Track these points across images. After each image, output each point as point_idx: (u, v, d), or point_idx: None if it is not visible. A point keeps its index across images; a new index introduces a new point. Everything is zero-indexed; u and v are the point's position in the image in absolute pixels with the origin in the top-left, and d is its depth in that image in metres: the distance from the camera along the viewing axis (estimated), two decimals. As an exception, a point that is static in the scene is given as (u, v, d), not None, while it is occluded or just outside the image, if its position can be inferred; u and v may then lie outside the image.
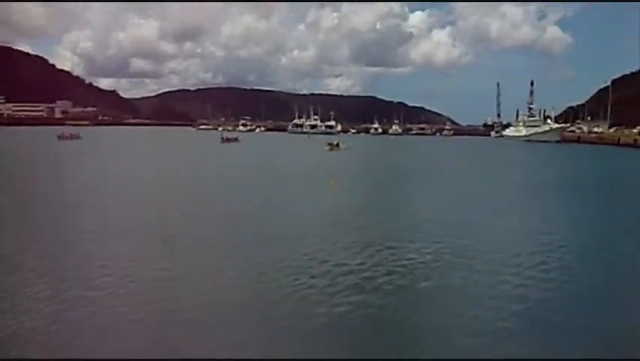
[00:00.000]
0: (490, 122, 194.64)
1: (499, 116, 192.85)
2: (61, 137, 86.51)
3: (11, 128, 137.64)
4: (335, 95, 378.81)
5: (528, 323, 9.87)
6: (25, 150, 62.27)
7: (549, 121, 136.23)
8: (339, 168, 45.21)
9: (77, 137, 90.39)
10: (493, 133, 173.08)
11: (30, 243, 15.18)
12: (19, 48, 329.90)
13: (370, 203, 25.10)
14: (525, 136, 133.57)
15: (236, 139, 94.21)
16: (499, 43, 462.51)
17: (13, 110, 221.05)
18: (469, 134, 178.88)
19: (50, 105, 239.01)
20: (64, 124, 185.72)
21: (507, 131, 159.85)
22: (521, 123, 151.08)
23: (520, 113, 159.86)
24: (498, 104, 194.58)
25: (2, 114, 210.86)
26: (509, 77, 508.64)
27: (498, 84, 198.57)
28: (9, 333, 8.97)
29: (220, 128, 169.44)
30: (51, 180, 32.16)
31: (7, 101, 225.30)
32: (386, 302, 10.66)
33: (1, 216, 19.18)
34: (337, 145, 73.41)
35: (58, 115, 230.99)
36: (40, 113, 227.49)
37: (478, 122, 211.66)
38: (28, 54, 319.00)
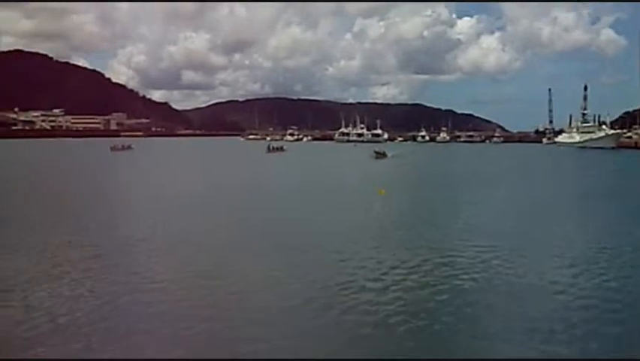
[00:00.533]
0: (541, 129, 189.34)
1: (551, 122, 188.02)
2: (113, 148, 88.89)
3: (70, 139, 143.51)
4: (382, 104, 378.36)
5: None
6: (79, 161, 65.63)
7: (604, 127, 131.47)
8: (386, 176, 45.08)
9: (129, 147, 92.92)
10: (545, 140, 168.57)
11: (76, 248, 15.88)
12: (76, 63, 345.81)
13: (419, 211, 24.72)
14: (579, 143, 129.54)
15: (281, 148, 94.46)
16: (551, 47, 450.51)
17: (72, 123, 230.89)
18: (520, 142, 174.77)
19: (106, 117, 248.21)
20: (119, 135, 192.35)
21: (560, 138, 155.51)
22: (575, 129, 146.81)
23: (573, 118, 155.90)
24: (550, 110, 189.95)
25: (61, 126, 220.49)
26: (561, 82, 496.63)
27: (550, 90, 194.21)
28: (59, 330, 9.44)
29: (268, 138, 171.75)
30: (102, 190, 33.73)
31: (66, 114, 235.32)
32: (431, 310, 10.69)
33: (42, 224, 19.92)
34: (384, 153, 72.71)
35: (113, 127, 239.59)
36: (97, 125, 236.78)
37: (529, 128, 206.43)
38: (85, 68, 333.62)
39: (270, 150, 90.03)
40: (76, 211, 23.38)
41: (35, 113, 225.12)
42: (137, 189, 34.11)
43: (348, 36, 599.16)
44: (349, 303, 11.03)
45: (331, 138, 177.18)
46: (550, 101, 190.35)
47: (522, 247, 16.64)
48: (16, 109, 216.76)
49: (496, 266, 14.20)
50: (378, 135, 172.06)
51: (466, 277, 13.08)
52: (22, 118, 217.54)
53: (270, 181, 40.76)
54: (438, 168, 59.93)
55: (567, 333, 9.55)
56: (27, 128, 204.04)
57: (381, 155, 72.08)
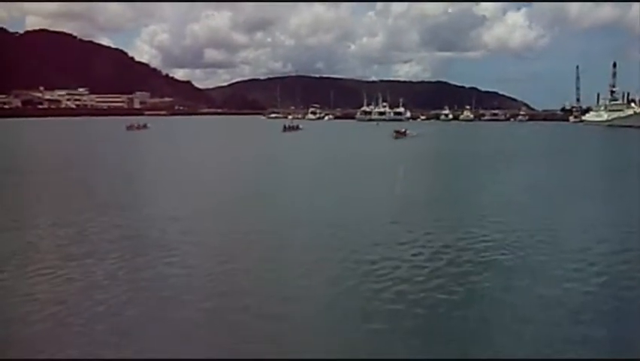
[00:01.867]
0: (568, 107, 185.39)
1: (578, 100, 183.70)
2: (129, 127, 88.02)
3: (94, 118, 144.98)
4: (404, 82, 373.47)
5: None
6: (92, 140, 66.64)
7: (633, 105, 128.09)
8: (404, 157, 43.12)
9: (145, 126, 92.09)
10: (571, 118, 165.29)
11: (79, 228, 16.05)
12: (100, 42, 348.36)
13: (438, 193, 24.36)
14: (607, 121, 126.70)
15: (297, 127, 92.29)
16: (579, 23, 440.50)
17: (97, 101, 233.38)
18: (546, 120, 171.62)
19: (130, 96, 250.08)
20: (142, 114, 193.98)
21: (587, 116, 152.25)
22: (602, 107, 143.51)
23: (601, 96, 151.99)
24: (577, 88, 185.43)
25: (86, 105, 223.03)
26: (589, 59, 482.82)
27: (577, 67, 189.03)
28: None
29: (290, 117, 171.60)
30: (106, 167, 34.20)
31: (91, 93, 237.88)
32: (451, 296, 10.47)
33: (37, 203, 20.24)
34: (404, 133, 70.72)
35: (137, 105, 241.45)
36: (121, 104, 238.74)
37: (556, 106, 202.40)
38: (109, 47, 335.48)
39: (285, 129, 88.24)
40: (75, 189, 23.95)
41: (61, 92, 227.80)
42: (139, 167, 34.50)
43: (371, 13, 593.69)
44: (365, 288, 10.90)
45: (353, 117, 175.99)
46: (577, 78, 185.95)
47: (547, 228, 16.25)
48: (42, 88, 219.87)
49: (515, 248, 13.95)
50: (400, 114, 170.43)
51: (483, 259, 12.89)
52: (47, 97, 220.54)
53: (276, 161, 40.41)
54: (460, 147, 58.29)
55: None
56: (53, 107, 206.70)
57: (401, 134, 70.10)
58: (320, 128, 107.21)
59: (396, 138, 68.22)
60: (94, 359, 7.38)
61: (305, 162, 38.68)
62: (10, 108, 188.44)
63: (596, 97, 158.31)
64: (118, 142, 61.95)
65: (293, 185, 26.52)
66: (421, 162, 39.70)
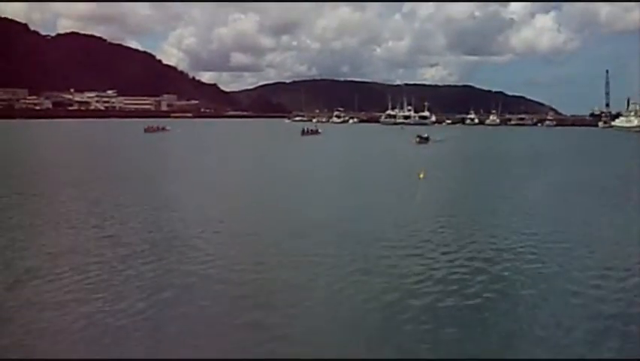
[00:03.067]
0: (597, 112, 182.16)
1: (607, 105, 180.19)
2: (147, 129, 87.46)
3: (122, 120, 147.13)
4: (430, 85, 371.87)
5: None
6: (109, 142, 67.31)
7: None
8: (426, 165, 36.95)
9: (164, 129, 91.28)
10: (600, 123, 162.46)
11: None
12: (129, 45, 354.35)
13: (459, 202, 23.92)
14: (637, 127, 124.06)
15: (316, 131, 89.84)
16: (610, 27, 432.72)
17: (125, 104, 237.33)
18: (574, 125, 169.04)
19: (157, 99, 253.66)
20: (169, 116, 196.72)
21: (617, 122, 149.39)
22: (633, 113, 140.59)
23: (631, 102, 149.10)
24: (607, 93, 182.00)
25: (115, 107, 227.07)
26: (620, 63, 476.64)
27: (607, 71, 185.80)
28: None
29: (314, 120, 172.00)
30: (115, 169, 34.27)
31: (119, 95, 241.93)
32: (470, 301, 10.48)
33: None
34: (427, 138, 67.41)
35: (164, 108, 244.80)
36: (149, 106, 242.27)
37: (585, 112, 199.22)
38: (137, 50, 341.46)
39: (304, 132, 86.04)
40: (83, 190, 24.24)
41: (90, 94, 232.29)
42: (141, 170, 33.80)
43: (397, 16, 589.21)
44: (386, 291, 10.97)
45: (378, 120, 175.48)
46: (607, 83, 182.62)
47: (570, 237, 16.08)
48: (72, 90, 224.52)
49: (536, 256, 13.80)
50: (425, 118, 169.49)
51: (503, 267, 12.81)
52: (77, 99, 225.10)
53: (281, 169, 37.80)
54: (484, 155, 54.75)
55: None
56: (82, 108, 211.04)
57: (424, 140, 66.87)
58: (341, 132, 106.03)
59: (419, 143, 65.60)
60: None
61: (312, 172, 36.51)
62: (41, 109, 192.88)
63: (626, 102, 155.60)
64: (131, 144, 62.96)
65: (290, 197, 24.26)
66: (444, 174, 34.81)
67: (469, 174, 36.27)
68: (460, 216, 19.47)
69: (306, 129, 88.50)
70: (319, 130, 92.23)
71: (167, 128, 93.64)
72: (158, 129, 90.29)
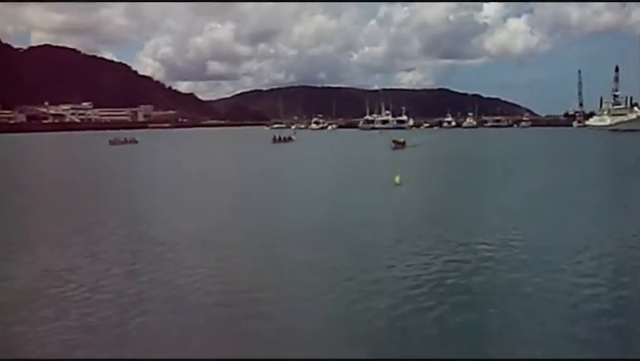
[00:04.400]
0: (571, 112, 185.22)
1: (581, 105, 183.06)
2: (113, 142, 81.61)
3: (97, 132, 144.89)
4: (407, 90, 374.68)
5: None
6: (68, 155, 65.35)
7: (636, 108, 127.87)
8: (402, 170, 33.69)
9: (133, 141, 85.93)
10: (575, 123, 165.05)
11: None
12: (104, 56, 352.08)
13: (436, 204, 23.84)
14: (610, 125, 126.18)
15: (289, 138, 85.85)
16: (580, 29, 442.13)
17: (100, 115, 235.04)
18: (549, 125, 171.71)
19: (134, 109, 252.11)
20: (146, 127, 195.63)
21: (590, 121, 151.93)
22: (606, 112, 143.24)
23: (604, 101, 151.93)
24: (580, 93, 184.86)
25: (90, 119, 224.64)
26: (592, 64, 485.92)
27: (579, 72, 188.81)
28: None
29: (293, 127, 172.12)
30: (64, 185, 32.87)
31: (95, 107, 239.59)
32: (454, 304, 10.36)
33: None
34: (403, 143, 65.00)
35: (141, 118, 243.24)
36: (125, 117, 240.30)
37: (559, 112, 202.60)
38: (112, 61, 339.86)
39: (275, 140, 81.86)
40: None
41: (65, 107, 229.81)
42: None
43: (373, 22, 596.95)
44: (366, 297, 10.77)
45: (356, 126, 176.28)
46: (579, 83, 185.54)
47: (551, 239, 15.86)
48: (46, 103, 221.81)
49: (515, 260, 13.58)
50: (403, 122, 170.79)
51: (482, 269, 12.64)
52: (52, 112, 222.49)
53: (260, 181, 34.84)
54: (460, 158, 53.72)
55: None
56: (57, 121, 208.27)
57: (400, 145, 64.50)
58: (317, 139, 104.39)
59: (395, 148, 63.34)
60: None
61: (281, 182, 34.00)
62: (15, 123, 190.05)
63: (599, 101, 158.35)
64: (87, 158, 58.94)
65: (258, 209, 22.36)
66: (421, 178, 33.98)
67: (446, 178, 35.66)
68: (438, 219, 19.29)
69: (277, 137, 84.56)
70: (292, 137, 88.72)
71: (136, 139, 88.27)
72: (125, 142, 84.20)
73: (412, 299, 10.63)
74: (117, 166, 49.51)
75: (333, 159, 54.87)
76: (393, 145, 64.45)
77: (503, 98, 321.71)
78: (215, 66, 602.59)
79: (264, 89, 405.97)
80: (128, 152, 68.75)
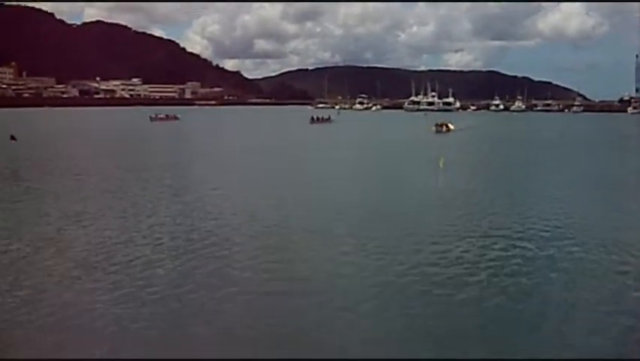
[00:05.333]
0: (626, 98, 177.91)
1: (637, 90, 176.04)
2: (154, 118, 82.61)
3: (147, 107, 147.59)
4: (454, 71, 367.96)
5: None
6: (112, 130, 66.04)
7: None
8: (443, 154, 32.18)
9: (174, 118, 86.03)
10: (630, 109, 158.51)
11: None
12: (153, 33, 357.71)
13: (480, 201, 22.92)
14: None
15: (328, 119, 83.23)
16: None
17: (149, 92, 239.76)
18: (602, 111, 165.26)
19: (181, 86, 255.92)
20: (193, 104, 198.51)
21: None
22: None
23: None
24: (637, 79, 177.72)
25: (140, 95, 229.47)
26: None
27: (637, 56, 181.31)
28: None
29: (337, 107, 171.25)
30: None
31: (144, 83, 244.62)
32: (490, 294, 10.31)
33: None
34: (447, 126, 61.11)
35: (188, 95, 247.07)
36: (173, 93, 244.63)
37: (613, 97, 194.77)
38: (161, 39, 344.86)
39: (313, 120, 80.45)
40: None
41: (116, 82, 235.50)
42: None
43: (422, 2, 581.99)
44: (401, 282, 10.92)
45: (401, 107, 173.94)
46: (637, 68, 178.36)
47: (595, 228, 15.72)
48: (98, 78, 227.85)
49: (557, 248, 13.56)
50: (449, 104, 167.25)
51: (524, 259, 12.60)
52: (103, 87, 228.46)
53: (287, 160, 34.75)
54: (510, 144, 50.82)
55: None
56: (108, 96, 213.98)
57: (443, 128, 60.40)
58: (357, 120, 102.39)
59: (437, 132, 59.12)
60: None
61: (316, 163, 33.00)
62: (68, 98, 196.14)
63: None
64: (128, 133, 60.03)
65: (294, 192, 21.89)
66: (463, 164, 31.83)
67: (491, 163, 34.58)
68: (477, 205, 19.15)
69: (315, 117, 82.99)
70: (332, 117, 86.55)
71: (178, 116, 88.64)
72: (167, 118, 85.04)
73: (456, 281, 10.90)
74: (150, 143, 49.75)
75: (365, 142, 50.95)
76: (434, 129, 60.55)
77: (555, 82, 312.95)
78: (261, 44, 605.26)
79: (310, 68, 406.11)
80: (166, 129, 68.65)
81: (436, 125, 61.67)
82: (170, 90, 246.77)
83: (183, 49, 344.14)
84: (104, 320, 9.04)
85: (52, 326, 8.78)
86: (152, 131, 63.99)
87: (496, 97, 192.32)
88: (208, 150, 42.15)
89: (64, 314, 9.23)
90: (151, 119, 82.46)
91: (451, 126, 62.13)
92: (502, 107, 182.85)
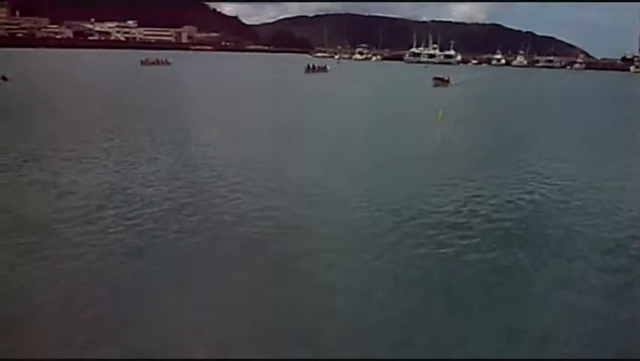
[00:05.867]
0: (629, 56, 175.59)
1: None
2: (145, 62, 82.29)
3: (142, 51, 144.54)
4: (457, 23, 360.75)
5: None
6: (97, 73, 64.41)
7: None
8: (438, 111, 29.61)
9: (165, 62, 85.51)
10: (632, 68, 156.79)
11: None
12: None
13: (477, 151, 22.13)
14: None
15: (324, 68, 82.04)
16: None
17: (145, 35, 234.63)
18: (605, 69, 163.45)
19: (178, 30, 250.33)
20: (189, 49, 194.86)
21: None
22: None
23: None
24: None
25: (135, 38, 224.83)
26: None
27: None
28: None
29: (336, 56, 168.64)
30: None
31: (139, 26, 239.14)
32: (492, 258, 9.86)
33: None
34: (447, 80, 60.23)
35: (184, 40, 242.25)
36: (169, 37, 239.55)
37: (616, 55, 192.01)
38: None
39: (308, 69, 78.86)
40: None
41: (111, 24, 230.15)
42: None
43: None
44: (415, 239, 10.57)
45: (402, 58, 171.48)
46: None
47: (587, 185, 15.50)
48: (92, 20, 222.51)
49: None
50: (450, 57, 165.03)
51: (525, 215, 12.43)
52: (97, 29, 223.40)
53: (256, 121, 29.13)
54: (509, 101, 49.35)
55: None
56: (102, 38, 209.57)
57: (442, 82, 59.57)
58: (355, 70, 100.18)
59: (436, 86, 58.28)
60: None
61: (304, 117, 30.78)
62: (62, 39, 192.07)
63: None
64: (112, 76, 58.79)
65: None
66: (460, 119, 30.65)
67: (488, 120, 33.55)
68: (474, 161, 18.73)
69: (310, 66, 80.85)
70: (327, 67, 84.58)
71: (169, 61, 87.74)
72: (158, 62, 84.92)
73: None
74: (138, 87, 47.60)
75: (358, 95, 48.45)
76: (433, 82, 59.77)
77: (558, 38, 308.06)
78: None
79: (310, 15, 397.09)
80: (156, 73, 66.27)
81: (435, 78, 60.91)
82: (166, 34, 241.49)
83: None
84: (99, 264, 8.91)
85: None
86: (143, 74, 62.95)
87: (498, 51, 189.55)
88: (190, 96, 40.95)
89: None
90: (141, 63, 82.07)
91: (452, 80, 61.13)
92: (503, 61, 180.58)
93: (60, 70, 65.40)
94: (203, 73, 74.44)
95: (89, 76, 59.15)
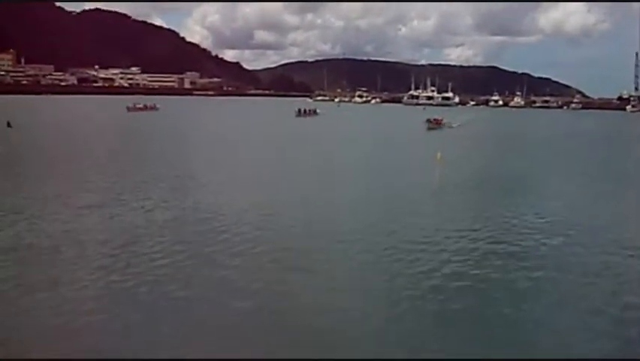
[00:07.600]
0: (625, 96, 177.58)
1: (636, 89, 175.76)
2: (131, 109, 79.62)
3: (144, 96, 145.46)
4: (454, 66, 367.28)
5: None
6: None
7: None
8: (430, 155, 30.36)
9: (153, 108, 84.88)
10: (628, 107, 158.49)
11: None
12: (153, 22, 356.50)
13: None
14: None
15: (314, 112, 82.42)
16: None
17: (148, 81, 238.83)
18: (601, 108, 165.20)
19: (180, 76, 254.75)
20: (191, 94, 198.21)
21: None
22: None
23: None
24: (636, 76, 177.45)
25: (138, 84, 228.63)
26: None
27: (637, 54, 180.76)
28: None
29: (337, 99, 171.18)
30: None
31: (143, 72, 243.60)
32: (489, 295, 10.16)
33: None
34: (440, 122, 57.04)
35: (187, 85, 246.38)
36: (172, 83, 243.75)
37: (612, 95, 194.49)
38: (161, 27, 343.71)
39: (299, 113, 78.59)
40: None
41: (114, 71, 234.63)
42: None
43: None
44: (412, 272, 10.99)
45: (400, 101, 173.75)
46: (636, 66, 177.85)
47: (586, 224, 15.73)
48: (96, 66, 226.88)
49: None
50: (448, 99, 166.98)
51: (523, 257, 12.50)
52: (102, 75, 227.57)
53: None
54: (502, 149, 44.75)
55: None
56: (106, 85, 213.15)
57: (436, 124, 56.40)
58: (348, 113, 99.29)
59: (430, 129, 54.66)
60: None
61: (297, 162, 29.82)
62: (66, 85, 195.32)
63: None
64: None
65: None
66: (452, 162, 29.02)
67: (487, 161, 33.51)
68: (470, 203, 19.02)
69: (302, 110, 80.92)
70: (318, 111, 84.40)
71: (157, 106, 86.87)
72: (145, 108, 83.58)
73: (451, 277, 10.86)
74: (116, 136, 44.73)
75: (356, 135, 47.93)
76: (427, 125, 56.15)
77: (554, 78, 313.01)
78: (261, 35, 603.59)
79: (310, 60, 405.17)
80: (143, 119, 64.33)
81: (428, 121, 57.70)
82: (169, 80, 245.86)
83: (183, 38, 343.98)
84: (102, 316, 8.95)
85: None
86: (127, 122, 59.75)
87: (495, 92, 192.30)
88: (161, 144, 37.83)
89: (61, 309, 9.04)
90: (127, 109, 79.20)
91: (445, 122, 58.53)
92: (500, 102, 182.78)
93: (58, 116, 65.63)
94: (186, 119, 70.59)
95: (77, 124, 55.73)
